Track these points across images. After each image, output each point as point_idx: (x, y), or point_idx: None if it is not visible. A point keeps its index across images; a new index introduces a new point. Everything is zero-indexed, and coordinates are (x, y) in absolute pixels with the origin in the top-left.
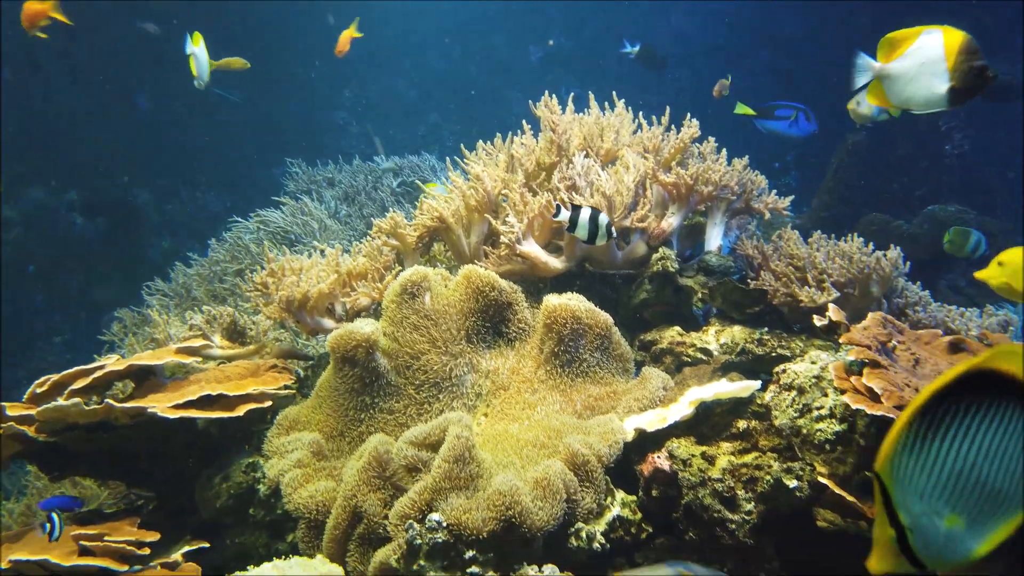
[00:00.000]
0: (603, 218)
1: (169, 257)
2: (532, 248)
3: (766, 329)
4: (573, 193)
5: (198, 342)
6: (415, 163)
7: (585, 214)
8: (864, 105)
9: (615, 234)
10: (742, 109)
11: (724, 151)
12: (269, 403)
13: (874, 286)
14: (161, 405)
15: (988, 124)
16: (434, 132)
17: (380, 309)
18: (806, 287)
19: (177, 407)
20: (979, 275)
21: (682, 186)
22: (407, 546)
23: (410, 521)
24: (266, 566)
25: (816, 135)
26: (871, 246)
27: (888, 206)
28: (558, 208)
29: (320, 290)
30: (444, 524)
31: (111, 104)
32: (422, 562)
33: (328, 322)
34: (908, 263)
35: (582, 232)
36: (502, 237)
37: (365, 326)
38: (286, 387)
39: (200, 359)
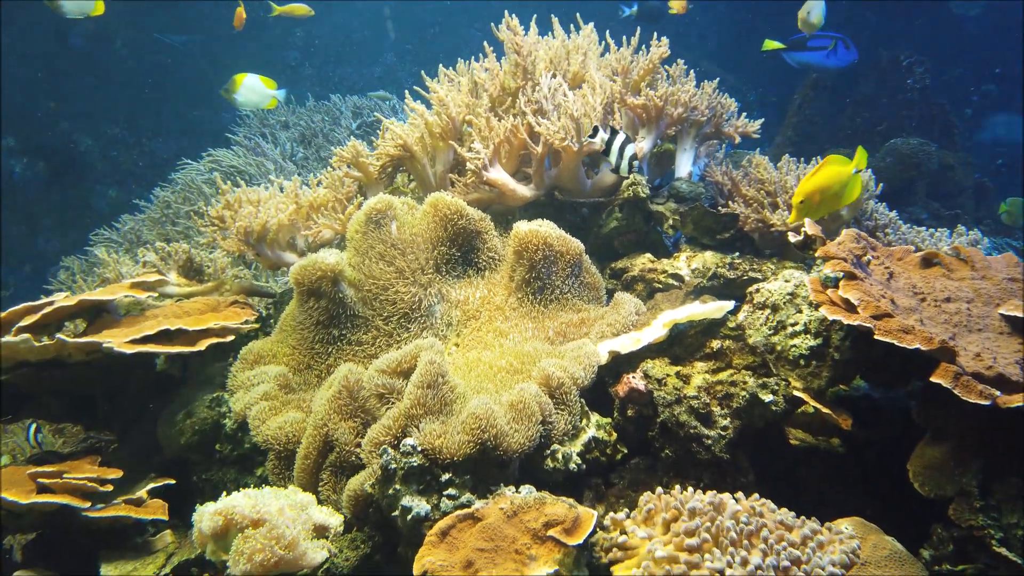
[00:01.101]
0: (630, 148)
1: (117, 207)
2: (500, 175)
3: (737, 254)
4: (539, 117)
5: (153, 277)
6: (376, 103)
7: (620, 139)
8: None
9: (637, 167)
10: (770, 45)
11: (692, 73)
12: (231, 337)
13: (844, 209)
14: (117, 340)
15: (949, 59)
16: (390, 73)
17: (344, 241)
18: (777, 211)
19: (134, 342)
20: None
21: (651, 108)
22: (382, 471)
23: (384, 446)
24: (236, 495)
25: (855, 64)
26: None
27: (851, 141)
28: (595, 130)
29: (280, 221)
30: (419, 448)
31: (43, 44)
32: (397, 486)
33: (290, 256)
34: (880, 185)
35: (613, 157)
36: (468, 164)
37: (329, 256)
38: (248, 322)
39: (156, 295)
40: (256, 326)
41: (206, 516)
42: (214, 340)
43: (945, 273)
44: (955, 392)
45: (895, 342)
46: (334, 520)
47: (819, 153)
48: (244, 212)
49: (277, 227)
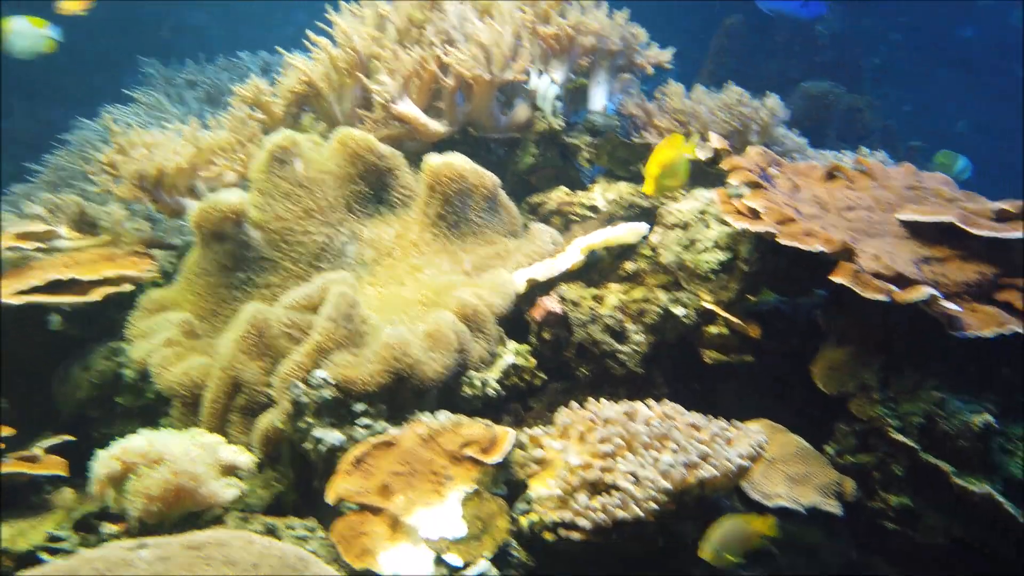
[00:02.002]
0: (553, 89)
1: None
2: (410, 109)
3: None
4: (447, 46)
5: (41, 227)
6: (287, 60)
7: (543, 81)
8: None
9: (557, 108)
10: None
11: (605, 3)
12: (129, 287)
13: (754, 135)
14: (3, 291)
15: (857, 8)
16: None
17: (248, 185)
18: (691, 140)
19: (22, 293)
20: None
21: (563, 38)
22: (292, 406)
23: (294, 381)
24: (134, 437)
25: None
26: (747, 95)
27: (765, 88)
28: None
29: (178, 164)
30: (330, 380)
31: None
32: (309, 419)
33: (190, 202)
34: (788, 111)
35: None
36: (376, 98)
37: (231, 196)
38: (150, 272)
39: (43, 245)
40: (157, 276)
41: (102, 461)
42: (111, 290)
43: (847, 184)
44: (855, 289)
45: (798, 245)
46: (244, 458)
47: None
48: (138, 154)
49: (175, 171)
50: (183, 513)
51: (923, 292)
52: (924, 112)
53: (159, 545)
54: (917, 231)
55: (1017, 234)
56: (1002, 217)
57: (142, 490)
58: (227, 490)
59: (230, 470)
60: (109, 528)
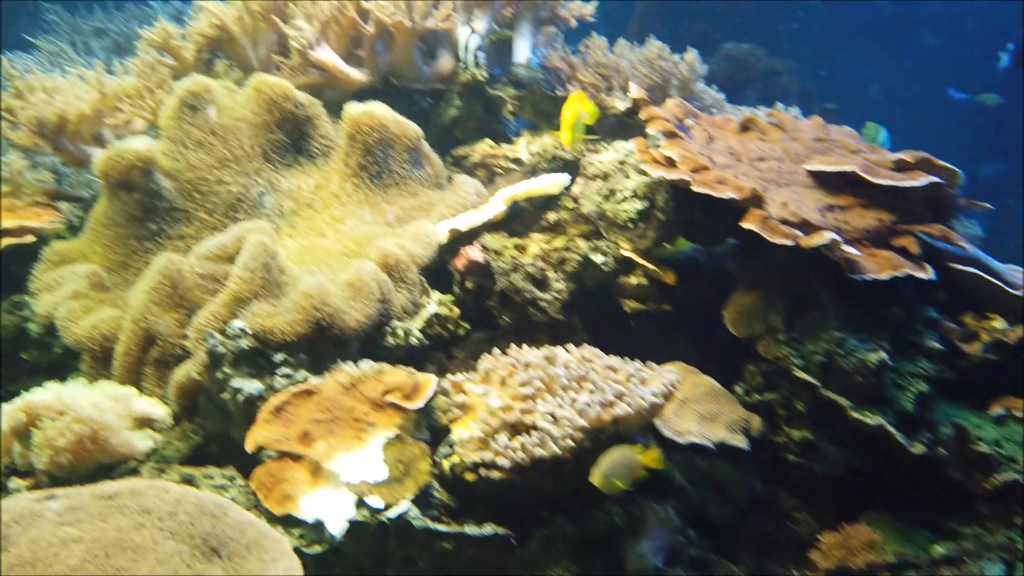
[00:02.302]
0: (475, 40)
1: None
2: (328, 56)
3: None
4: None
5: None
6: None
7: (464, 32)
8: None
9: (481, 59)
10: None
11: None
12: (31, 238)
13: (674, 90)
14: None
15: None
16: None
17: (158, 133)
18: (613, 93)
19: None
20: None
21: None
22: (209, 357)
23: (210, 332)
24: (39, 389)
25: None
26: (667, 51)
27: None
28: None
29: (80, 110)
30: (248, 331)
31: None
32: (227, 370)
33: (96, 150)
34: (705, 66)
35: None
36: (292, 43)
37: (138, 143)
38: (53, 223)
39: None
40: (62, 227)
41: (5, 414)
42: (11, 241)
43: (760, 136)
44: (763, 235)
45: (711, 192)
46: (160, 411)
47: None
48: (37, 99)
49: (78, 118)
50: (94, 465)
51: (826, 237)
52: (840, 76)
53: (69, 496)
54: (823, 180)
55: (914, 183)
56: (900, 167)
57: (48, 442)
58: (141, 442)
59: (144, 422)
60: (17, 483)
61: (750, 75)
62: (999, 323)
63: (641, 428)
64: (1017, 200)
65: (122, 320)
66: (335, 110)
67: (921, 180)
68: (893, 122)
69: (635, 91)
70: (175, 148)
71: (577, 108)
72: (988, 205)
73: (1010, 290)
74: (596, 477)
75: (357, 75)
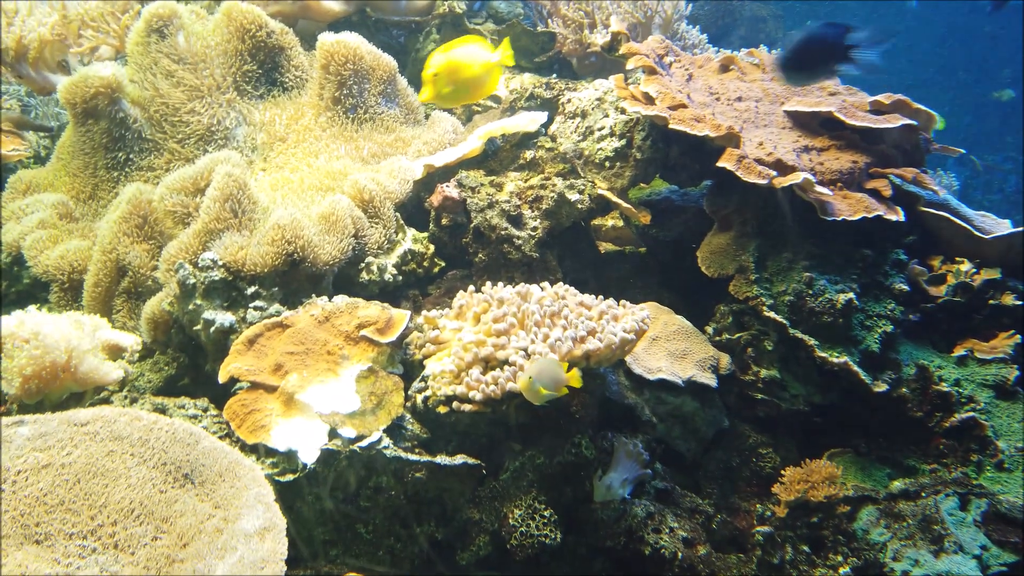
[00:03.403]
0: None
1: None
2: None
3: (555, 76)
4: None
5: None
6: None
7: None
8: None
9: None
10: None
11: None
12: None
13: (656, 29)
14: None
15: None
16: None
17: (125, 60)
18: (596, 30)
19: None
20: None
21: None
22: (180, 287)
23: (181, 262)
24: (4, 317)
25: None
26: None
27: None
28: None
29: (42, 36)
30: (220, 262)
31: None
32: (199, 301)
33: (61, 78)
34: (689, 6)
35: None
36: None
37: (103, 68)
38: (18, 151)
39: None
40: (28, 156)
41: None
42: None
43: (740, 76)
44: (738, 173)
45: (687, 130)
46: (129, 339)
47: None
48: None
49: (40, 43)
50: (64, 393)
51: (799, 177)
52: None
53: (39, 421)
54: (800, 122)
55: (889, 124)
56: (877, 109)
57: (15, 368)
58: (113, 371)
59: (115, 351)
60: None
61: (735, 20)
62: (966, 266)
63: (612, 364)
64: (994, 155)
65: (91, 251)
66: (309, 42)
67: (897, 122)
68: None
69: (616, 24)
70: (143, 75)
71: (463, 59)
72: (960, 150)
73: (978, 233)
74: (522, 381)
75: (332, 5)
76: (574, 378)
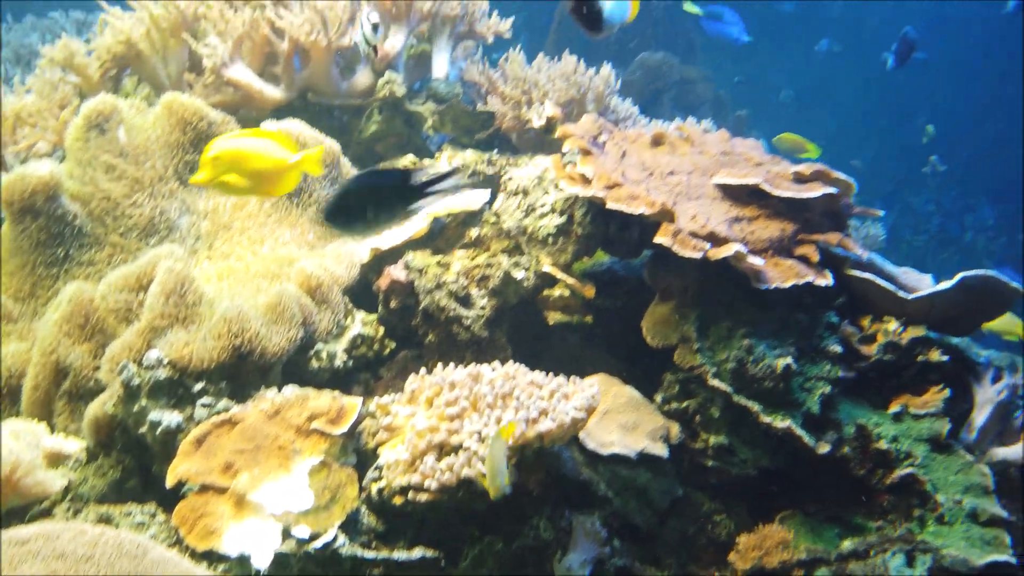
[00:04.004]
0: (373, 15)
1: None
2: (243, 74)
3: (496, 151)
4: (280, 8)
5: None
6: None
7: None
8: None
9: (375, 39)
10: (691, 9)
11: None
12: None
13: (590, 104)
14: None
15: None
16: None
17: (63, 155)
18: (533, 107)
19: None
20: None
21: (400, 2)
22: (124, 389)
23: (125, 363)
24: None
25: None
26: (583, 65)
27: (605, 58)
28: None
29: None
30: (166, 360)
31: None
32: (144, 402)
33: None
34: (619, 81)
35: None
36: (205, 61)
37: (41, 167)
38: None
39: None
40: None
41: None
42: None
43: (670, 150)
44: (674, 248)
45: (624, 208)
46: (73, 445)
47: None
48: None
49: None
50: (5, 509)
51: (732, 249)
52: (752, 83)
53: None
54: (730, 193)
55: (811, 194)
56: (799, 179)
57: None
58: (55, 480)
59: (57, 459)
60: None
61: (665, 84)
62: (893, 325)
63: (566, 442)
64: (917, 196)
65: (30, 353)
66: (251, 126)
67: (818, 191)
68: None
69: (550, 109)
70: (83, 171)
71: (257, 152)
72: (880, 212)
73: (901, 294)
74: (491, 489)
75: (273, 93)
76: None
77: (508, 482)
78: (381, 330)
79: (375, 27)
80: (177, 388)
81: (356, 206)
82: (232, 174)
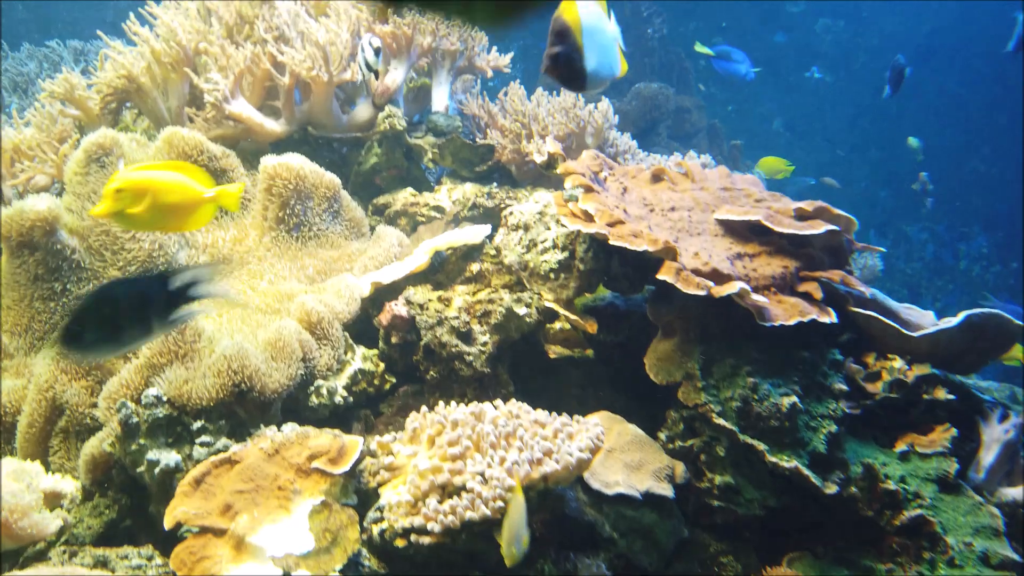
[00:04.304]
0: (375, 40)
1: None
2: (244, 108)
3: (495, 185)
4: (282, 45)
5: None
6: (100, 47)
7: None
8: None
9: (376, 64)
10: (701, 48)
11: None
12: None
13: (589, 137)
14: None
15: (682, 15)
16: (124, 17)
17: (64, 190)
18: (532, 141)
19: None
20: None
21: (401, 37)
22: (122, 427)
23: (123, 400)
24: None
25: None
26: (582, 100)
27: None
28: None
29: None
30: (164, 398)
31: None
32: (142, 441)
33: None
34: (616, 116)
35: (358, 57)
36: (207, 96)
37: (39, 202)
38: None
39: None
40: None
41: None
42: None
43: (671, 186)
44: (677, 286)
45: (627, 245)
46: (68, 485)
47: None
48: None
49: None
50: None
51: (735, 287)
52: (746, 111)
53: None
54: (731, 229)
55: (814, 231)
56: (801, 216)
57: None
58: (50, 522)
59: (53, 499)
60: None
61: (661, 113)
62: (898, 363)
63: (569, 483)
64: (911, 225)
65: (26, 390)
66: (251, 160)
67: (820, 228)
68: (792, 154)
69: (551, 145)
70: (82, 205)
71: (170, 187)
72: (881, 248)
73: (906, 332)
74: (507, 557)
75: (274, 127)
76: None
77: (526, 545)
78: (381, 366)
79: (377, 51)
80: (176, 426)
81: (101, 325)
82: (138, 207)
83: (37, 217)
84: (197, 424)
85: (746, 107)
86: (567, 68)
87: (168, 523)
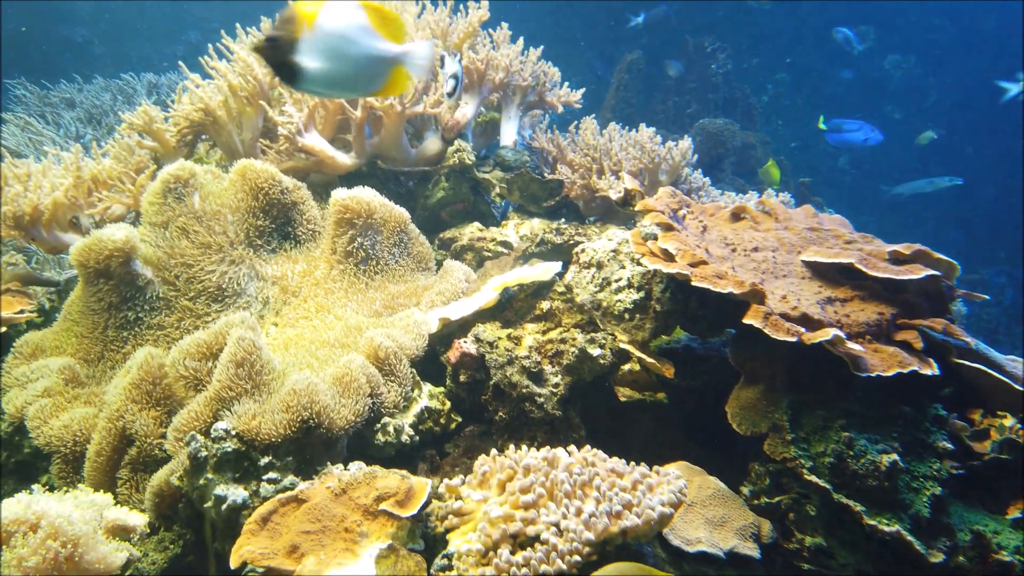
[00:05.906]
0: (452, 65)
1: None
2: (316, 141)
3: (563, 220)
4: None
5: None
6: (173, 80)
7: (448, 61)
8: None
9: (457, 88)
10: (820, 126)
11: (521, 40)
12: (3, 329)
13: (663, 174)
14: None
15: (746, 51)
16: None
17: (138, 219)
18: (604, 176)
19: None
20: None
21: (473, 72)
22: (191, 461)
23: (192, 433)
24: (8, 501)
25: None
26: (658, 136)
27: (663, 123)
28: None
29: (56, 199)
30: (233, 432)
31: None
32: (210, 475)
33: (72, 236)
34: (695, 155)
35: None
36: (280, 129)
37: (117, 231)
38: (25, 312)
39: None
40: (35, 316)
41: None
42: None
43: (752, 225)
44: (765, 331)
45: (711, 287)
46: (136, 519)
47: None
48: (10, 193)
49: (54, 206)
50: None
51: (828, 333)
52: (809, 148)
53: None
54: (820, 272)
55: (913, 276)
56: (896, 259)
57: (14, 559)
58: (116, 555)
59: (120, 532)
60: None
61: (726, 149)
62: (1009, 421)
63: (649, 538)
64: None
65: (97, 419)
66: (321, 192)
67: (920, 274)
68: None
69: (628, 182)
70: (157, 234)
71: None
72: (985, 296)
73: (1016, 386)
74: None
75: (345, 160)
76: None
77: None
78: (448, 404)
79: (456, 79)
80: (243, 461)
81: None
82: None
83: (115, 247)
84: (265, 460)
85: (811, 143)
86: (271, 54)
87: (234, 562)
